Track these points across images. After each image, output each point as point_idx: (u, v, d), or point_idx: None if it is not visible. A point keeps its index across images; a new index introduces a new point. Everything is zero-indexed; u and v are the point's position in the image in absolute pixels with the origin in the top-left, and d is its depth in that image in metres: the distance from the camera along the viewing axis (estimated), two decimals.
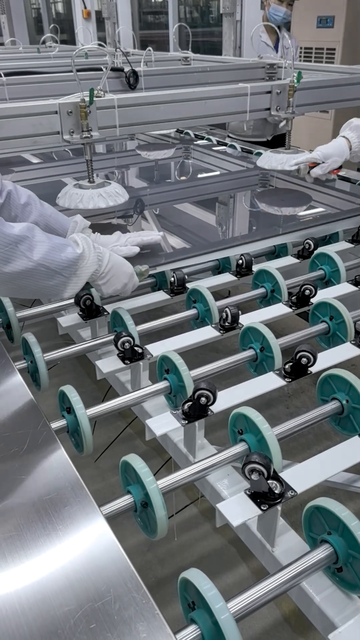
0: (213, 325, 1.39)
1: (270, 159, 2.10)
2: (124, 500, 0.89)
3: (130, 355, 1.26)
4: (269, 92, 1.97)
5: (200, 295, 1.45)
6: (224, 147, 3.04)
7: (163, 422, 1.08)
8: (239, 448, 0.99)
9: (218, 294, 1.73)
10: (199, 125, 3.56)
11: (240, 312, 1.38)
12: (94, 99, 1.66)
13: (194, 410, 1.06)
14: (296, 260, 1.76)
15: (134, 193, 2.28)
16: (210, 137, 3.22)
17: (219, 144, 3.11)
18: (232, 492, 1.01)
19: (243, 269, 1.65)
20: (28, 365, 1.26)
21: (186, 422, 1.07)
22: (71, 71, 1.78)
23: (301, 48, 4.52)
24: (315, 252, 1.70)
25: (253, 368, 1.32)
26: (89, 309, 1.44)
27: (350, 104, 2.53)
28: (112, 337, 1.28)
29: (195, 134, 3.33)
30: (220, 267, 1.74)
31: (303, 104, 2.03)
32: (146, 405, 1.23)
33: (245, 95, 1.93)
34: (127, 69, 2.30)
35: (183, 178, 2.79)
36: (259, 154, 2.57)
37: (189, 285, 1.53)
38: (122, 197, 1.80)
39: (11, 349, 1.46)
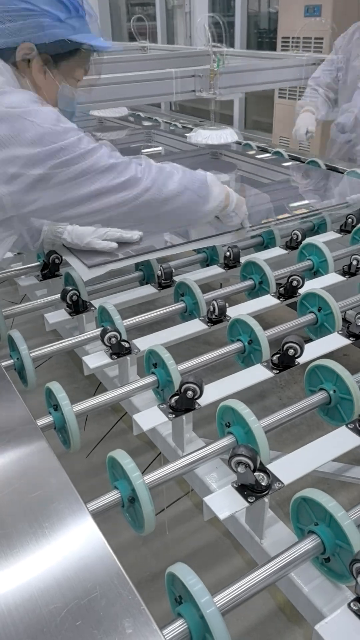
0: (201, 319, 1.39)
1: (197, 135, 2.28)
2: (111, 496, 0.89)
3: (117, 350, 1.25)
4: (194, 75, 2.20)
5: (187, 288, 1.44)
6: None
7: (150, 417, 1.07)
8: (227, 441, 0.99)
9: (209, 286, 1.72)
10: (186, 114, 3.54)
11: (227, 304, 1.38)
12: None
13: (181, 404, 1.05)
14: (284, 251, 1.76)
15: None
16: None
17: None
18: (220, 485, 1.01)
19: (231, 261, 1.64)
20: (15, 363, 1.25)
21: (173, 416, 1.06)
22: None
23: (288, 38, 4.49)
24: (303, 242, 1.70)
25: (241, 360, 1.32)
26: (76, 305, 1.43)
27: (266, 86, 2.79)
28: (99, 332, 1.28)
29: (183, 126, 3.32)
30: (208, 260, 1.74)
31: (225, 87, 2.24)
32: (134, 400, 1.23)
33: (171, 78, 2.16)
34: None
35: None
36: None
37: (177, 279, 1.52)
38: None
39: None
